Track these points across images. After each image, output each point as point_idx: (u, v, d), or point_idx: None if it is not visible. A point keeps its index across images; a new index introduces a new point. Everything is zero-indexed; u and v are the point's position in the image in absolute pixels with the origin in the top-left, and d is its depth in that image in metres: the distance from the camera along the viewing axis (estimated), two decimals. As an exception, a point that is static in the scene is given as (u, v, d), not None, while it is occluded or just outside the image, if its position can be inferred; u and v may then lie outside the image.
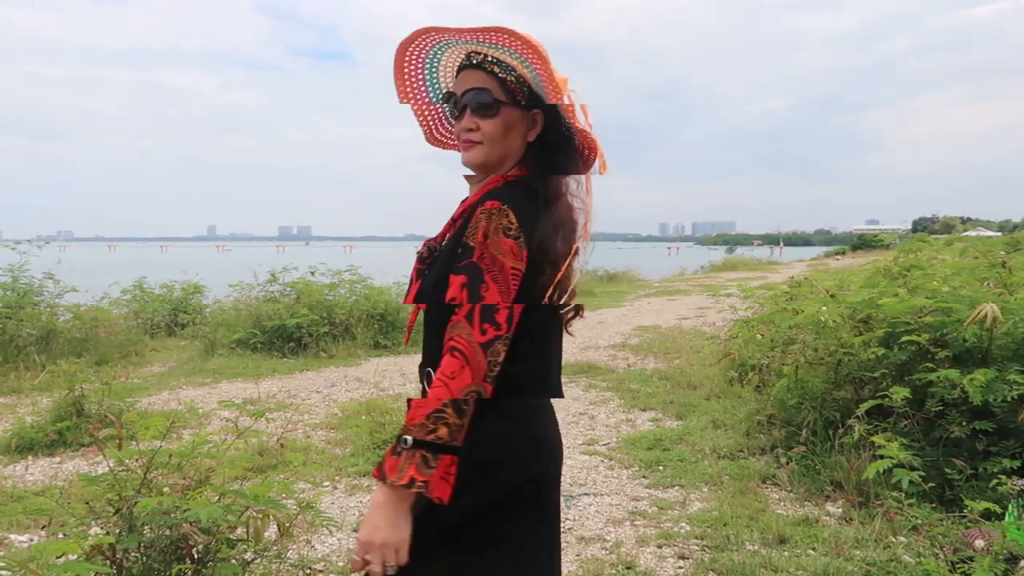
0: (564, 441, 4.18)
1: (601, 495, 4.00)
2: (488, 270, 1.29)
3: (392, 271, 11.62)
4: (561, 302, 1.46)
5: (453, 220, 1.47)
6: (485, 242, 1.30)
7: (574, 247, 1.42)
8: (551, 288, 1.38)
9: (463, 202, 1.49)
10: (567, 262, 1.40)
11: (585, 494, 4.02)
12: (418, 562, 1.31)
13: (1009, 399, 3.39)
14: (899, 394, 3.49)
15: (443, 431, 1.24)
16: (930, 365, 3.68)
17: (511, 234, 1.31)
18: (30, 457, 4.71)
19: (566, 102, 1.38)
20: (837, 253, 44.57)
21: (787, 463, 4.13)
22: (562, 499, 3.84)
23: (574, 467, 4.49)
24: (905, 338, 3.81)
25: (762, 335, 5.24)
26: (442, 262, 1.40)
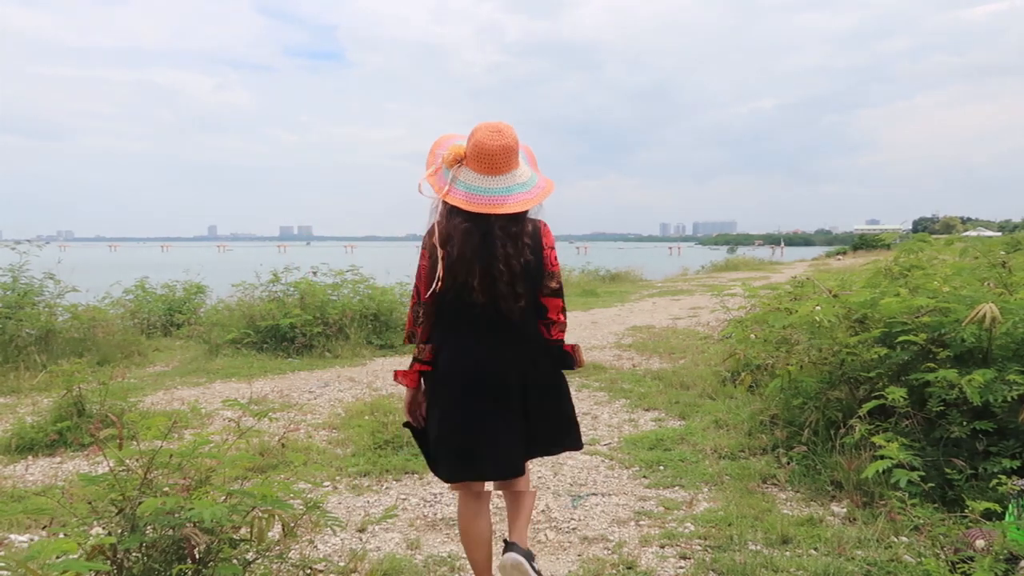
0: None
1: (609, 495, 4.01)
2: None
3: (395, 271, 11.56)
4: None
5: None
6: None
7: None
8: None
9: None
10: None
11: (593, 494, 4.02)
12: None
13: (1009, 399, 3.39)
14: (896, 394, 3.49)
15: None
16: (931, 365, 3.68)
17: None
18: (30, 457, 4.71)
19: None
20: (838, 253, 44.36)
21: (787, 463, 4.13)
22: (569, 499, 3.87)
23: (575, 467, 4.50)
24: (902, 338, 3.81)
25: (756, 335, 5.24)
26: None
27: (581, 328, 11.06)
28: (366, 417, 5.36)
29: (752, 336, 5.28)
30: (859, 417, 3.69)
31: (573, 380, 7.01)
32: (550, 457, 4.60)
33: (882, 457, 3.05)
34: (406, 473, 4.41)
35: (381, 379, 7.31)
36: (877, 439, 3.18)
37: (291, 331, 8.71)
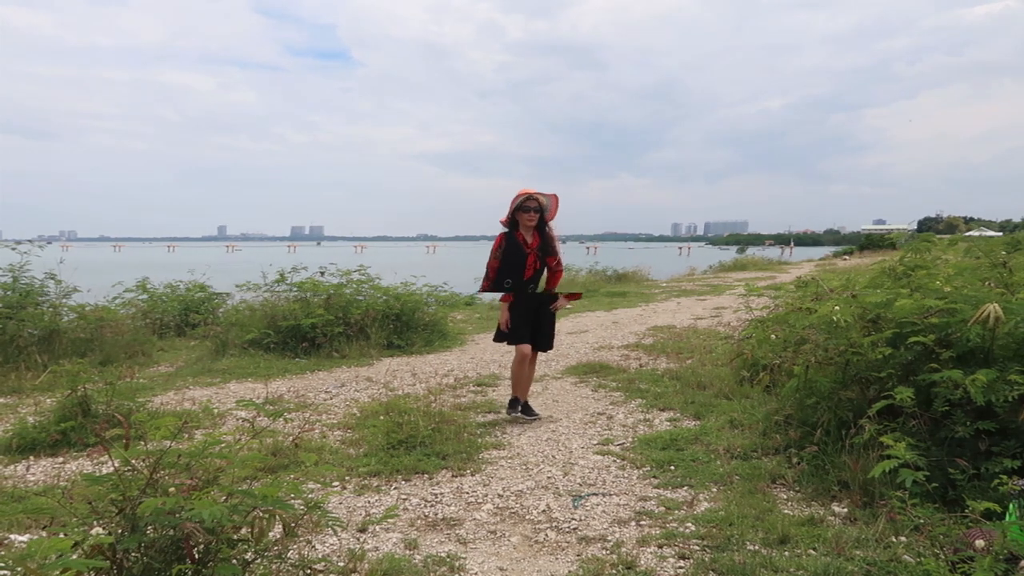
0: (579, 442, 5.13)
1: (609, 495, 4.01)
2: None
3: (401, 270, 11.56)
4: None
5: (538, 239, 5.63)
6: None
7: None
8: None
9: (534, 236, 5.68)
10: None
11: (593, 494, 4.02)
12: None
13: (1010, 399, 3.38)
14: (904, 394, 3.48)
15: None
16: (935, 365, 3.67)
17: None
18: (31, 457, 4.70)
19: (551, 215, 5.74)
20: (845, 253, 44.16)
21: (797, 463, 4.12)
22: (570, 499, 3.87)
23: (586, 467, 4.50)
24: (912, 339, 3.80)
25: (776, 335, 5.22)
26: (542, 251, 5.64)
27: (602, 328, 11.01)
28: (380, 417, 5.32)
29: (773, 336, 5.27)
30: (868, 417, 3.68)
31: (589, 381, 7.11)
32: (561, 457, 4.75)
33: (889, 457, 3.04)
34: (416, 473, 4.40)
35: (399, 379, 7.30)
36: (885, 439, 3.17)
37: (312, 331, 8.66)
